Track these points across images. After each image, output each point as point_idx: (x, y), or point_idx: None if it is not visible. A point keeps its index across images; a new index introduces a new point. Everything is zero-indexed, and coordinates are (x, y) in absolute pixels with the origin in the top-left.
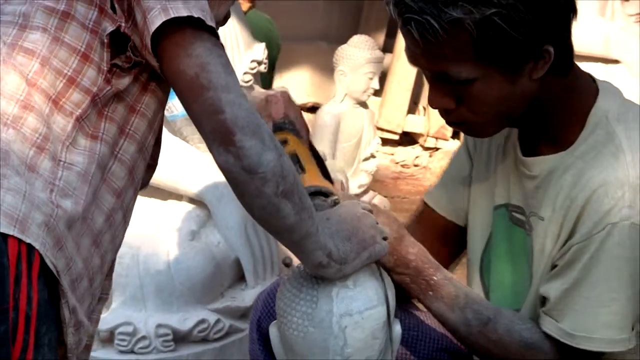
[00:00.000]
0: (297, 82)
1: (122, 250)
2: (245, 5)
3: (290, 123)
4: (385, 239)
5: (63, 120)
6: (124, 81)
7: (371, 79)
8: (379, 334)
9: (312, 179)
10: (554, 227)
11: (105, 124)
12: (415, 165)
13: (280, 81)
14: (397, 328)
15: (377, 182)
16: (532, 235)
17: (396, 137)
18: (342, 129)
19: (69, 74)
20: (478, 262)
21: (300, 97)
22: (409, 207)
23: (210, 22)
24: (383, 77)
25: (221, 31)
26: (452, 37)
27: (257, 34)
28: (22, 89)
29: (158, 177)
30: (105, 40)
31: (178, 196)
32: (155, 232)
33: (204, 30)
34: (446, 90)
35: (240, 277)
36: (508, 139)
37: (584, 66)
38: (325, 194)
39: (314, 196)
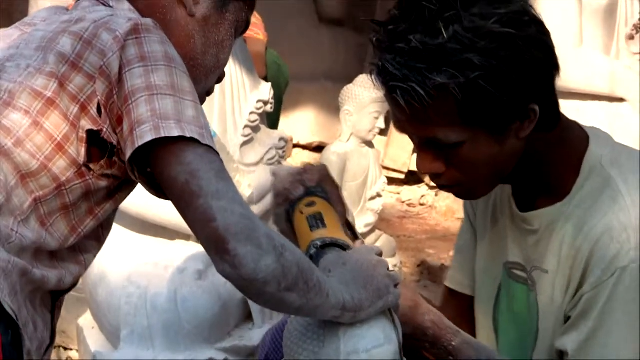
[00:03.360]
0: (302, 122)
1: (130, 289)
2: (263, 35)
3: (323, 191)
4: (396, 285)
5: (23, 196)
6: (100, 183)
7: (377, 118)
8: None
9: (331, 232)
10: (561, 278)
11: (59, 218)
12: (421, 204)
13: (286, 120)
14: None
15: (383, 221)
16: (536, 289)
17: (402, 176)
18: (348, 168)
19: (41, 159)
20: (490, 321)
21: (306, 137)
22: (415, 246)
23: (206, 141)
24: (389, 117)
25: (227, 71)
26: (438, 103)
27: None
28: None
29: (165, 217)
30: (84, 136)
31: (185, 236)
32: (162, 272)
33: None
34: (435, 154)
35: (247, 316)
36: (503, 197)
37: (589, 105)
38: (342, 247)
39: (330, 247)
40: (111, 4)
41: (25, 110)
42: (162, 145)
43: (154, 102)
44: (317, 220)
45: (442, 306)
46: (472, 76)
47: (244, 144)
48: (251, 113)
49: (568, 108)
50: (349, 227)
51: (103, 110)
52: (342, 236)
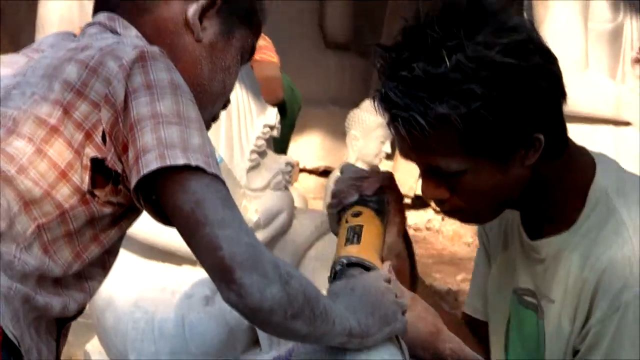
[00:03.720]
0: (309, 146)
1: (137, 314)
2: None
3: (378, 202)
4: (404, 312)
5: (26, 223)
6: (104, 210)
7: (383, 142)
8: None
9: (361, 252)
10: (568, 309)
11: (63, 244)
12: (428, 229)
13: (293, 145)
14: None
15: None
16: (544, 318)
17: (408, 201)
18: None
19: (44, 187)
20: (502, 347)
21: (312, 161)
22: (421, 270)
23: (211, 169)
24: (395, 141)
25: (234, 96)
26: (439, 132)
27: None
28: None
29: (172, 243)
30: (88, 164)
31: (192, 261)
32: (169, 297)
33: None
34: (438, 181)
35: (254, 342)
36: (513, 224)
37: (595, 129)
38: (366, 268)
39: (353, 267)
40: (119, 31)
41: (29, 137)
42: (168, 174)
43: (160, 130)
44: (354, 234)
45: (459, 332)
46: (473, 106)
47: (251, 169)
48: (258, 138)
49: (573, 132)
50: (405, 236)
51: (108, 138)
52: (371, 256)
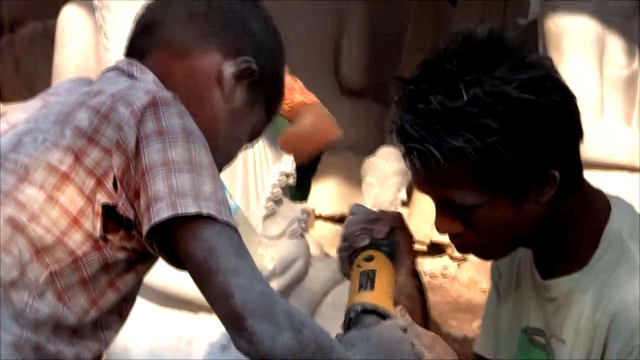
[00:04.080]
0: (325, 193)
1: None
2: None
3: (389, 245)
4: None
5: (39, 270)
6: (118, 255)
7: (399, 190)
8: None
9: (374, 298)
10: (579, 350)
11: (78, 291)
12: (444, 276)
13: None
14: None
15: None
16: (553, 357)
17: (424, 248)
18: None
19: (57, 234)
20: None
21: (329, 208)
22: (437, 317)
23: (223, 216)
24: (410, 188)
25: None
26: (454, 166)
27: None
28: (5, 232)
29: (188, 291)
30: (99, 210)
31: (209, 309)
32: (186, 346)
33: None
34: (453, 215)
35: None
36: (525, 262)
37: (609, 176)
38: (381, 315)
39: (368, 314)
40: (135, 74)
41: (41, 185)
42: (180, 222)
43: (172, 178)
44: (367, 280)
45: None
46: (489, 141)
47: (267, 216)
48: (274, 186)
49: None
50: (417, 276)
51: (119, 185)
52: (385, 302)
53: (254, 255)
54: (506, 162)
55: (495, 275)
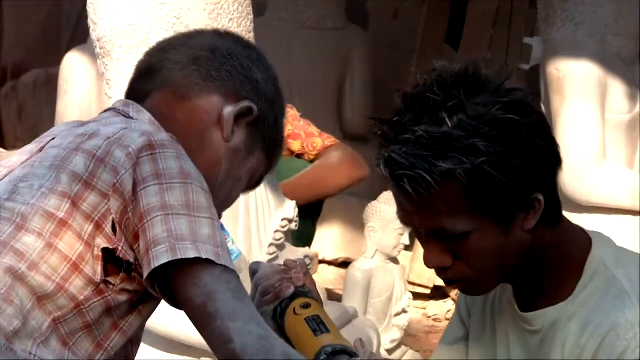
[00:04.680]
0: (328, 237)
1: None
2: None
3: (310, 291)
4: None
5: (41, 317)
6: (120, 298)
7: (402, 234)
8: None
9: (335, 338)
10: None
11: (82, 336)
12: (447, 319)
13: None
14: None
15: (409, 337)
16: None
17: (428, 291)
18: (373, 285)
19: (57, 280)
20: None
21: (332, 253)
22: None
23: (221, 260)
24: (413, 233)
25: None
26: (445, 190)
27: None
28: (5, 282)
29: (190, 336)
30: (99, 254)
31: (211, 354)
32: None
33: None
34: (442, 247)
35: None
36: (503, 298)
37: (612, 219)
38: (350, 354)
39: (340, 354)
40: (131, 115)
41: (39, 232)
42: (179, 267)
43: (170, 222)
44: (318, 325)
45: None
46: (477, 162)
47: (269, 262)
48: (276, 231)
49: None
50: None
51: (118, 228)
52: (346, 342)
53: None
54: (495, 183)
55: (464, 312)
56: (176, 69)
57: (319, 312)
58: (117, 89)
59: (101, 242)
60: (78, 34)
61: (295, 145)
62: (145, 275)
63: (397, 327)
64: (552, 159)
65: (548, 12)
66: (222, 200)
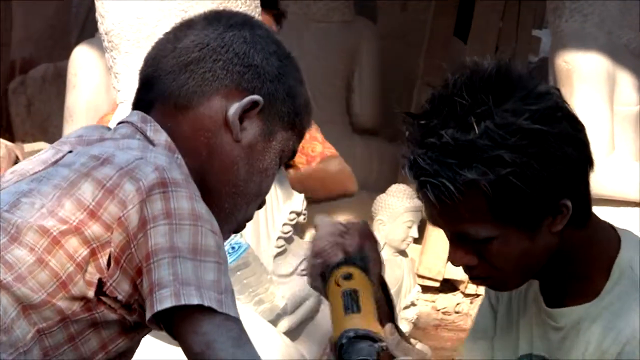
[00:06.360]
0: None
1: None
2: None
3: (362, 259)
4: None
5: (26, 327)
6: (109, 316)
7: (410, 227)
8: None
9: (363, 321)
10: None
11: (67, 350)
12: (457, 312)
13: None
14: None
15: (418, 330)
16: None
17: (437, 285)
18: None
19: (43, 297)
20: None
21: None
22: (450, 354)
23: (223, 308)
24: (423, 225)
25: None
26: (468, 199)
27: None
28: None
29: None
30: (92, 281)
31: None
32: None
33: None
34: (467, 248)
35: None
36: (529, 291)
37: (620, 211)
38: (374, 339)
39: (361, 339)
40: (148, 134)
41: (31, 247)
42: (181, 311)
43: (176, 265)
44: (352, 302)
45: None
46: (502, 173)
47: (278, 255)
48: (284, 224)
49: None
50: (384, 287)
51: (113, 263)
52: (373, 324)
53: (265, 294)
54: (520, 194)
55: (493, 299)
56: (170, 79)
57: (359, 286)
58: (125, 83)
59: (93, 271)
60: (87, 28)
61: None
62: (147, 317)
63: (406, 320)
64: (581, 164)
65: (557, 4)
66: (254, 194)
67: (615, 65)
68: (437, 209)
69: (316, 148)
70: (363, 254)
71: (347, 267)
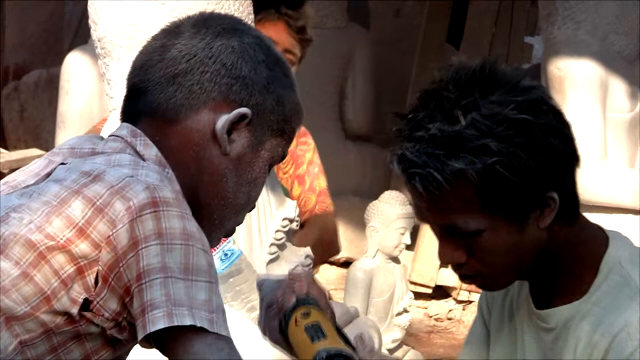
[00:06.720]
0: None
1: None
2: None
3: (313, 299)
4: None
5: (8, 338)
6: (93, 328)
7: (403, 234)
8: None
9: (332, 342)
10: None
11: None
12: (449, 319)
13: None
14: None
15: (411, 337)
16: None
17: (429, 291)
18: (374, 284)
19: (27, 309)
20: None
21: None
22: None
23: (215, 327)
24: (415, 231)
25: None
26: (456, 189)
27: None
28: None
29: None
30: (77, 299)
31: None
32: None
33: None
34: (456, 243)
35: None
36: (520, 295)
37: (614, 218)
38: (347, 357)
39: (335, 358)
40: (139, 149)
41: (16, 261)
42: (173, 331)
43: (169, 286)
44: (316, 331)
45: None
46: (489, 162)
47: (270, 261)
48: (277, 231)
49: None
50: (339, 333)
51: (101, 282)
52: (343, 346)
53: (258, 300)
54: (507, 183)
55: (485, 311)
56: (158, 91)
57: (319, 319)
58: (118, 89)
59: (78, 289)
60: (80, 34)
61: (295, 191)
62: (140, 337)
63: (398, 327)
64: (567, 158)
65: (549, 11)
66: (243, 204)
67: (608, 72)
68: (426, 202)
69: (310, 200)
70: (312, 296)
71: (303, 308)
